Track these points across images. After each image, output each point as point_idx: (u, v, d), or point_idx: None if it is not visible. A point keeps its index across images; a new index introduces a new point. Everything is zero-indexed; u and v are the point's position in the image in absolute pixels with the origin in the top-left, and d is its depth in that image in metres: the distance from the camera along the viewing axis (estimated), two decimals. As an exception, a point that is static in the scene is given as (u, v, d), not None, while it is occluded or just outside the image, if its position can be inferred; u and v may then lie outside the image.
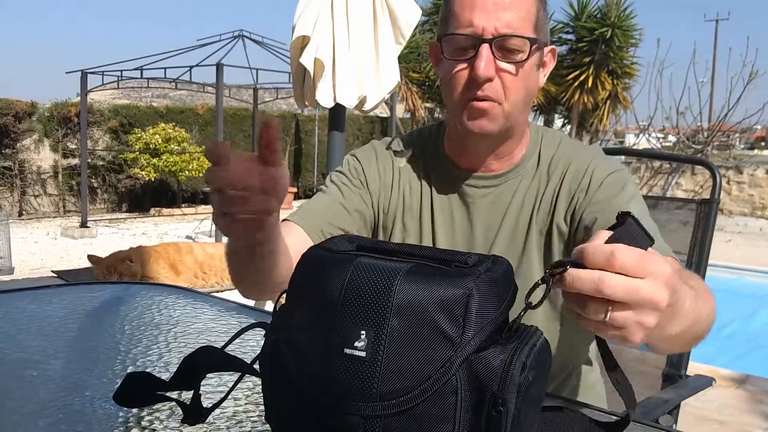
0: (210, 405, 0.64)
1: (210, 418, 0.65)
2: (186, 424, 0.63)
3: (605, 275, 0.53)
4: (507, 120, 1.01)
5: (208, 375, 0.76)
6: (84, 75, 9.38)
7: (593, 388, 1.21)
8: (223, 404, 0.68)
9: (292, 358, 0.52)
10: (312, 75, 3.68)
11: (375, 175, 1.15)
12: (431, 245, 1.10)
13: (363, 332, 0.50)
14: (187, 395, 0.64)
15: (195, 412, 0.62)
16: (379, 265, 0.52)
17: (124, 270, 4.41)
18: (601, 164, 1.07)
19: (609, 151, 1.49)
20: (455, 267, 0.53)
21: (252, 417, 0.69)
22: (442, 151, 1.14)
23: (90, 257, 4.51)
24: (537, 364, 0.52)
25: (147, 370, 0.76)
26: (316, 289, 0.52)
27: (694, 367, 1.64)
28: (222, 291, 4.47)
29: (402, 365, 0.49)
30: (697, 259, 1.59)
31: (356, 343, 0.50)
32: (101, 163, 12.14)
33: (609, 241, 0.54)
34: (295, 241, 1.02)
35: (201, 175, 11.64)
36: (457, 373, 0.49)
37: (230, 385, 0.63)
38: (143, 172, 11.18)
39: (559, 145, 1.12)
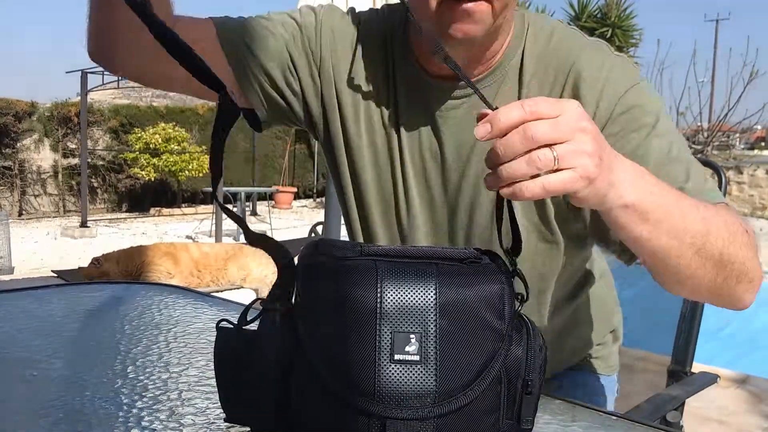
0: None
1: (210, 418, 0.65)
2: (186, 425, 0.63)
3: (527, 124, 0.59)
4: (495, 19, 0.83)
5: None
6: (84, 75, 9.38)
7: (604, 303, 1.17)
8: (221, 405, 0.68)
9: (331, 373, 0.51)
10: (312, 75, 3.67)
11: (329, 52, 0.94)
12: (399, 169, 0.95)
13: (412, 336, 0.50)
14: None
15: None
16: (404, 269, 0.52)
17: (92, 272, 4.38)
18: (615, 74, 0.87)
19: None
20: (470, 264, 0.54)
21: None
22: (410, 51, 0.94)
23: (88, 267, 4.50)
24: (543, 342, 0.57)
25: (147, 371, 0.76)
26: (345, 300, 0.51)
27: (694, 367, 1.64)
28: (221, 291, 4.47)
29: (457, 363, 0.51)
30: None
31: (407, 348, 0.50)
32: (101, 162, 12.15)
33: None
34: (195, 30, 0.88)
35: (201, 175, 11.64)
36: (502, 363, 0.53)
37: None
38: (143, 172, 11.18)
39: (551, 39, 0.91)
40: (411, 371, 0.50)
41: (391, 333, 0.50)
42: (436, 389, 0.50)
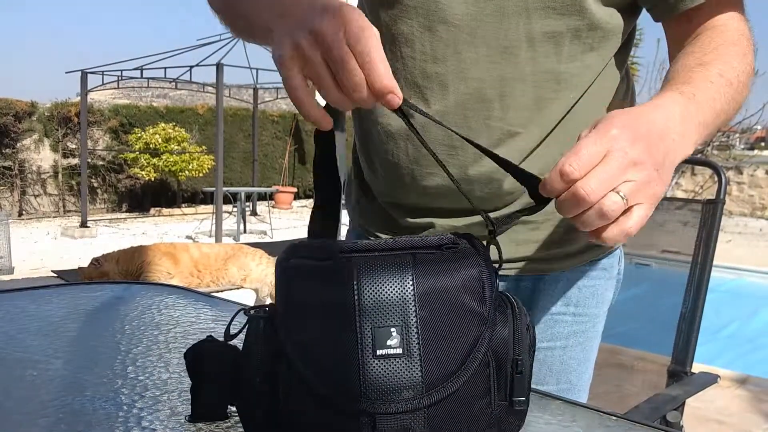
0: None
1: (210, 419, 0.65)
2: (186, 425, 0.63)
3: (576, 187, 0.56)
4: None
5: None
6: (84, 75, 9.39)
7: None
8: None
9: (316, 375, 0.50)
10: (312, 75, 3.67)
11: None
12: None
13: (393, 330, 0.49)
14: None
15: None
16: (380, 263, 0.52)
17: (92, 273, 4.39)
18: None
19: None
20: (447, 250, 0.54)
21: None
22: None
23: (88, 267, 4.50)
24: (531, 322, 0.56)
25: (147, 371, 0.76)
26: (324, 300, 0.51)
27: (694, 367, 1.64)
28: (221, 291, 4.47)
29: (441, 352, 0.50)
30: (702, 259, 1.60)
31: (388, 342, 0.49)
32: (101, 162, 12.15)
33: None
34: None
35: (201, 175, 11.64)
36: (488, 346, 0.52)
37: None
38: (143, 172, 11.19)
39: None
40: (395, 365, 0.49)
41: (371, 328, 0.49)
42: (423, 380, 0.49)
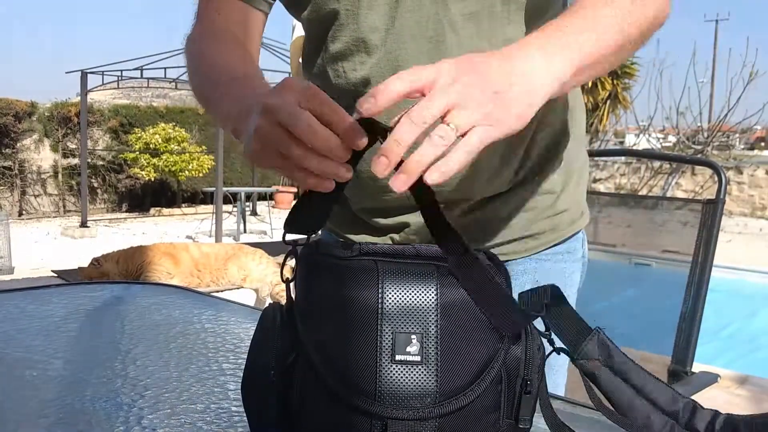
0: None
1: (209, 417, 0.65)
2: (185, 425, 0.63)
3: (409, 113, 0.52)
4: None
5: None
6: (84, 75, 9.39)
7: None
8: (221, 404, 0.68)
9: (332, 373, 0.51)
10: (312, 75, 3.67)
11: None
12: None
13: (413, 337, 0.50)
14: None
15: None
16: (406, 270, 0.52)
17: (92, 273, 4.38)
18: None
19: (611, 152, 1.49)
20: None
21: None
22: None
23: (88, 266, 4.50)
24: (542, 342, 0.56)
25: (147, 371, 0.76)
26: (347, 299, 0.51)
27: (694, 367, 1.65)
28: (221, 291, 4.47)
29: (458, 364, 0.51)
30: (702, 259, 1.60)
31: (408, 348, 0.50)
32: (101, 162, 12.16)
33: None
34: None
35: (201, 175, 11.64)
36: (502, 363, 0.53)
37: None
38: (143, 172, 11.19)
39: None
40: (412, 372, 0.50)
41: (392, 333, 0.50)
42: (437, 389, 0.50)
